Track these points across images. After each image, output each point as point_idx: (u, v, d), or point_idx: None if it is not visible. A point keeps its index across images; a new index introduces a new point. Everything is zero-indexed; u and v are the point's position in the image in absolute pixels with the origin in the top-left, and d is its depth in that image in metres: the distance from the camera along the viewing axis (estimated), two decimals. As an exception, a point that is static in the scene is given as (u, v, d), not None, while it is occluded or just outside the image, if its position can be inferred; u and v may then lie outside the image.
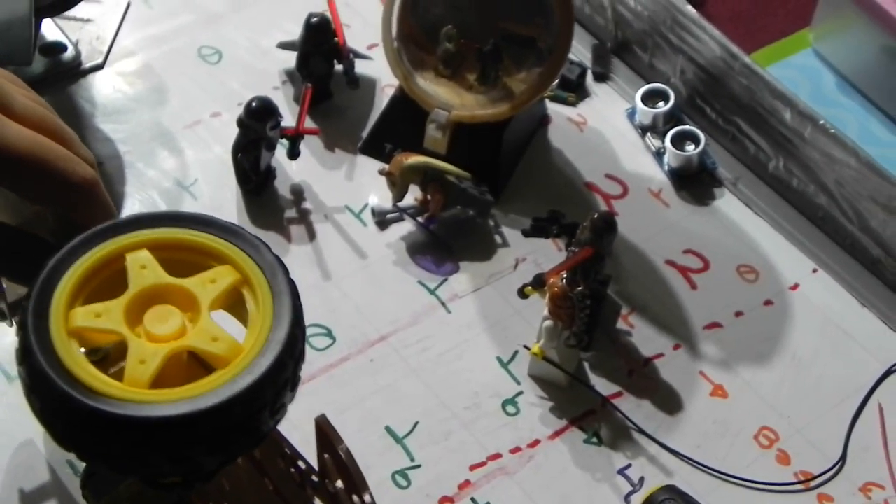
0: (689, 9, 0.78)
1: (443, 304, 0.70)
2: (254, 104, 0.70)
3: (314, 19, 0.75)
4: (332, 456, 0.47)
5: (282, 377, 0.45)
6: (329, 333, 0.68)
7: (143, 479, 0.48)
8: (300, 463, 0.48)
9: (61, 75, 0.77)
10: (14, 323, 0.56)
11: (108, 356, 0.46)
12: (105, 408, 0.42)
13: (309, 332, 0.67)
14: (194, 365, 0.47)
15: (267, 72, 0.78)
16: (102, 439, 0.43)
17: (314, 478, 0.48)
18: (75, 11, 0.76)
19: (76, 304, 0.45)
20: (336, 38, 0.76)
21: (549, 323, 0.65)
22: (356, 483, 0.46)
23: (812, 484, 0.65)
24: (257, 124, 0.70)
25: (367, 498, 0.46)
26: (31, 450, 0.62)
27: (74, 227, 0.47)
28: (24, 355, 0.44)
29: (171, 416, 0.42)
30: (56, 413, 0.43)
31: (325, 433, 0.47)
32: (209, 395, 0.43)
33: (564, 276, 0.65)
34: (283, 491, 0.52)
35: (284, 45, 0.77)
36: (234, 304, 0.47)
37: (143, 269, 0.46)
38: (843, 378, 0.69)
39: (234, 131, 0.71)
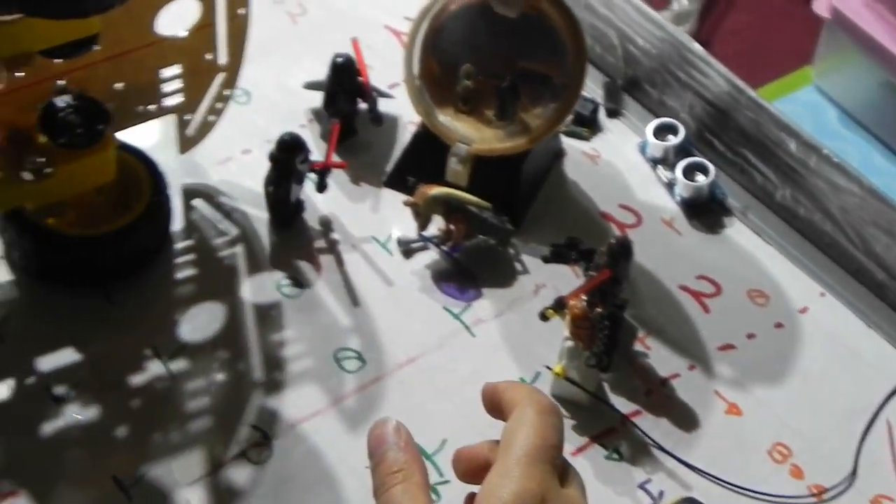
0: (697, 46, 0.81)
1: (467, 328, 0.73)
2: (285, 139, 0.73)
3: (340, 60, 0.79)
4: None
5: None
6: (360, 357, 0.71)
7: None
8: None
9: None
10: None
11: None
12: None
13: (340, 355, 0.71)
14: None
15: (294, 111, 0.82)
16: None
17: None
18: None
19: None
20: (360, 78, 0.79)
21: (570, 344, 0.68)
22: None
23: (825, 497, 0.67)
24: (288, 158, 0.73)
25: None
26: None
27: None
28: None
29: None
30: None
31: None
32: None
33: (584, 298, 0.68)
34: None
35: (311, 86, 0.81)
36: None
37: None
38: (851, 396, 0.72)
39: (263, 167, 0.75)
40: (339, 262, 0.75)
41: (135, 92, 0.71)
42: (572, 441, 0.68)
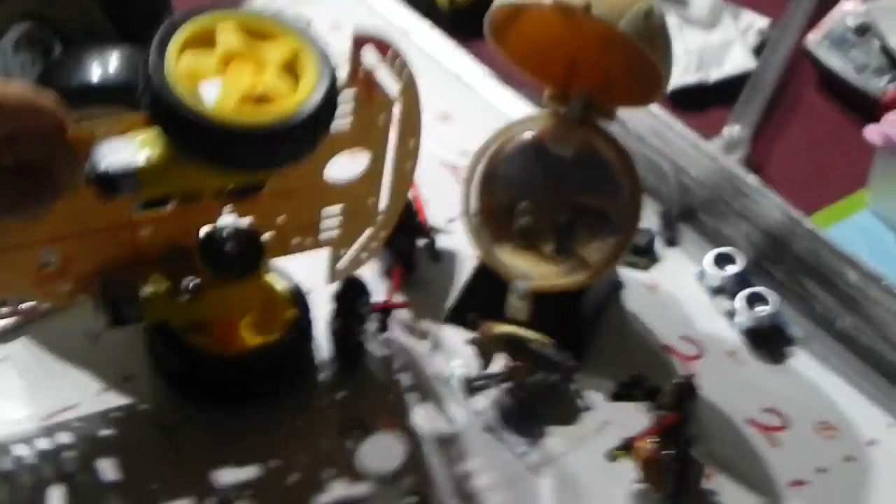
0: (750, 177, 0.82)
1: (532, 469, 0.72)
2: (347, 284, 0.74)
3: (399, 199, 0.80)
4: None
5: (326, 114, 0.63)
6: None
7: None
8: None
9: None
10: None
11: None
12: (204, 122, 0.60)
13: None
14: None
15: (353, 248, 0.82)
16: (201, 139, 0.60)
17: None
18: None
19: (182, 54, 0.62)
20: (418, 217, 0.80)
21: (640, 487, 0.67)
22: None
23: None
24: (350, 302, 0.74)
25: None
26: None
27: None
28: (147, 82, 0.60)
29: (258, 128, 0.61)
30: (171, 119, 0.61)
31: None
32: (288, 115, 0.61)
33: (651, 440, 0.67)
34: None
35: (370, 224, 0.81)
36: (289, 68, 0.63)
37: (228, 34, 0.62)
38: (927, 531, 0.70)
39: (326, 308, 0.75)
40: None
41: (295, 225, 0.73)
42: (644, 585, 0.67)
